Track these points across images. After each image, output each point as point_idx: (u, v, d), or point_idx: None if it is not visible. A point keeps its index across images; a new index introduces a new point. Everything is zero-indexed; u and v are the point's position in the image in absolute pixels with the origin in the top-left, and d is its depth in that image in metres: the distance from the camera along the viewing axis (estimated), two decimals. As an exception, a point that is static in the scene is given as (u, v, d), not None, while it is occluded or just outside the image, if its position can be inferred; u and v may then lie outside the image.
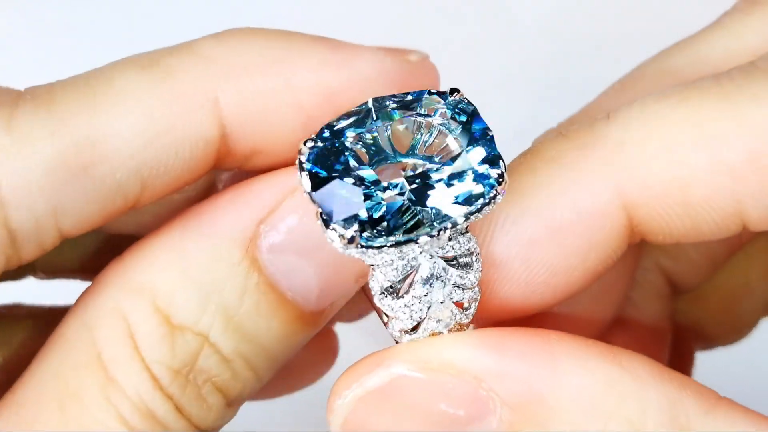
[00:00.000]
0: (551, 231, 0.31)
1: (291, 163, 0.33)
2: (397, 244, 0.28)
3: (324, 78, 0.32)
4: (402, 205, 0.28)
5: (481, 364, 0.29)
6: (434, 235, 0.28)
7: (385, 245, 0.28)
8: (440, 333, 0.30)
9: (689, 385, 0.29)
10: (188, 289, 0.31)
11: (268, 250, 0.31)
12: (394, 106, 0.30)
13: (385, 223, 0.28)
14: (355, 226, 0.28)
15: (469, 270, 0.30)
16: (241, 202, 0.31)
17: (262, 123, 0.32)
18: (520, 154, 0.33)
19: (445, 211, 0.28)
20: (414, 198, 0.28)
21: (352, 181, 0.28)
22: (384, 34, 0.69)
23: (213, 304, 0.31)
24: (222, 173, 0.37)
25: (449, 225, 0.28)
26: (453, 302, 0.30)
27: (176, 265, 0.31)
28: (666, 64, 0.37)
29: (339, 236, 0.28)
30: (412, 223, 0.28)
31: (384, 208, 0.28)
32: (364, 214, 0.28)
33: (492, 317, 0.32)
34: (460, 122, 0.30)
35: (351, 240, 0.28)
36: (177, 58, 0.32)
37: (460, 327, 0.30)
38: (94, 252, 0.39)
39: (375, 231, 0.28)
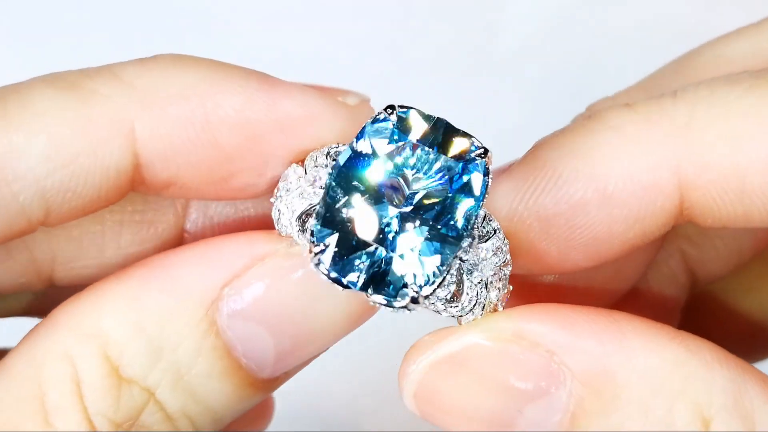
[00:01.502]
0: (602, 196, 0.31)
1: (210, 196, 0.33)
2: (449, 270, 0.29)
3: (247, 118, 0.31)
4: (435, 241, 0.29)
5: (554, 338, 0.30)
6: (471, 241, 0.30)
7: (442, 279, 0.29)
8: (504, 297, 0.31)
9: (752, 372, 0.29)
10: (141, 342, 0.30)
11: (229, 314, 0.30)
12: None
13: (433, 269, 0.29)
14: (415, 288, 0.29)
15: (494, 232, 0.31)
16: (208, 260, 0.31)
17: (177, 157, 0.31)
18: (582, 117, 0.33)
19: (461, 214, 0.30)
20: (434, 225, 0.29)
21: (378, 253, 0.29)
22: (383, 35, 0.69)
23: (165, 360, 0.30)
24: (191, 216, 0.37)
25: (472, 222, 0.30)
26: (499, 266, 0.31)
27: (133, 315, 0.30)
28: (725, 51, 0.37)
29: (405, 308, 0.29)
30: (450, 248, 0.29)
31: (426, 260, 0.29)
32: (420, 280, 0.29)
33: (522, 267, 0.33)
34: (413, 129, 0.30)
35: (415, 301, 0.29)
36: (98, 81, 0.31)
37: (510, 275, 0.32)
38: (42, 297, 0.38)
39: (431, 279, 0.29)
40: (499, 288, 0.31)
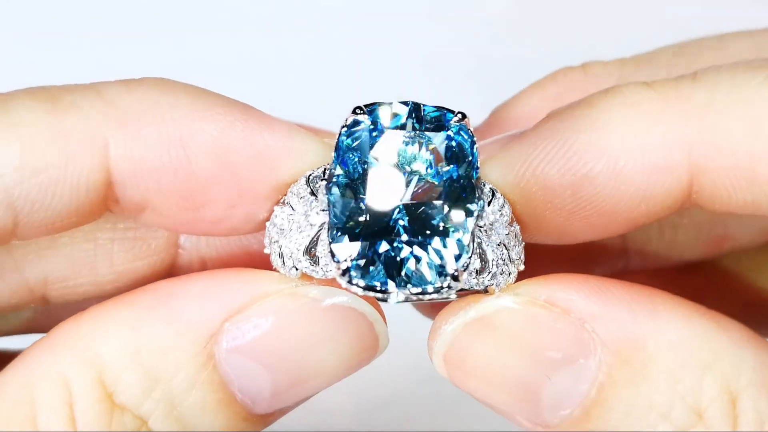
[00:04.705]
0: (612, 171, 0.31)
1: (183, 228, 0.33)
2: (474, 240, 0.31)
3: (223, 147, 0.31)
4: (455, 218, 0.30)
5: (586, 306, 0.30)
6: (482, 205, 0.31)
7: (472, 249, 0.30)
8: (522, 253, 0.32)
9: None
10: (138, 371, 0.30)
11: (228, 349, 0.30)
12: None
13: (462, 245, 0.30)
14: (453, 266, 0.30)
15: (492, 193, 0.32)
16: (211, 293, 0.31)
17: (149, 180, 0.31)
18: (597, 92, 0.32)
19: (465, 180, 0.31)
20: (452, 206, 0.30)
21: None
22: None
23: (159, 390, 0.30)
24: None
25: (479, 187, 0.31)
26: (508, 223, 0.32)
27: (132, 343, 0.30)
28: (728, 46, 0.38)
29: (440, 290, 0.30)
30: (470, 218, 0.30)
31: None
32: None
33: (528, 233, 0.33)
34: (387, 121, 0.31)
35: (456, 279, 0.30)
36: (79, 96, 0.31)
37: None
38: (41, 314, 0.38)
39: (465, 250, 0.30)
40: (515, 245, 0.32)
